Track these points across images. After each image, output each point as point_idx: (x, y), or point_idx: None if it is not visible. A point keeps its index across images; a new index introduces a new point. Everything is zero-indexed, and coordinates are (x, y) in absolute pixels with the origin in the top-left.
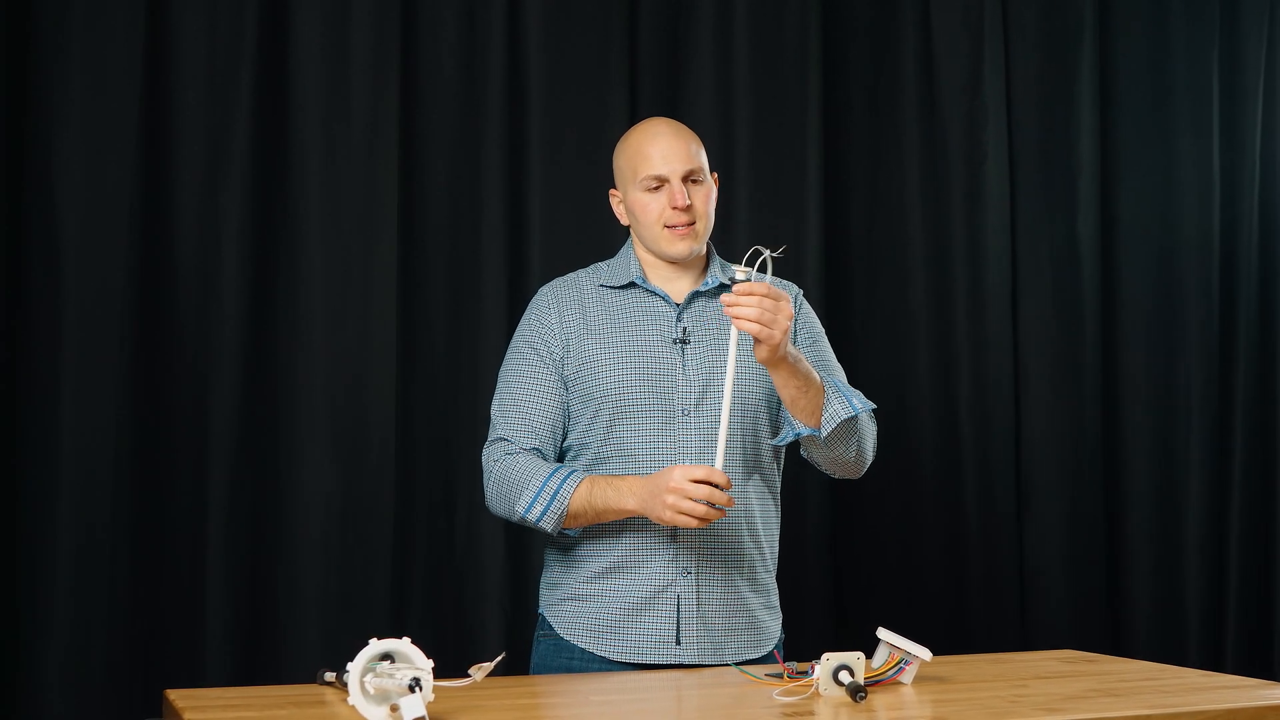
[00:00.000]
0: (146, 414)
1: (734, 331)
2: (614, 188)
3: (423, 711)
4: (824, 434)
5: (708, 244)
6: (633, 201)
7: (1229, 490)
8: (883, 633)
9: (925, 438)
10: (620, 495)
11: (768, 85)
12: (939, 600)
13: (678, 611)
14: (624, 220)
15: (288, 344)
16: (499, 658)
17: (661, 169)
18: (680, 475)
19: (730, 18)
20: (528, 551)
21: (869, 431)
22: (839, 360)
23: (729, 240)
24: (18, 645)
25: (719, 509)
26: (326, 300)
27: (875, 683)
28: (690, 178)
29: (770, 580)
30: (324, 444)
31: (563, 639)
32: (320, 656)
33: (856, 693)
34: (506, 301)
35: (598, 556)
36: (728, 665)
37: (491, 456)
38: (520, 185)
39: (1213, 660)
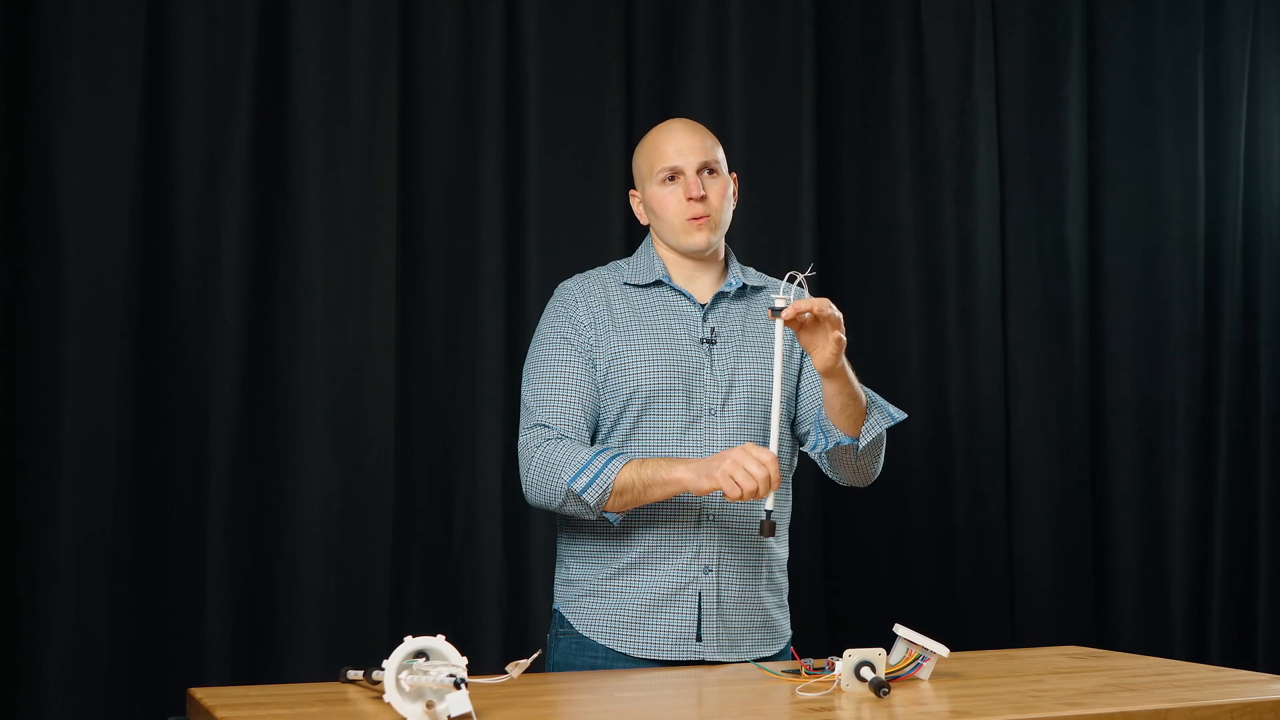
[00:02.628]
0: (147, 414)
1: (778, 334)
2: (634, 188)
3: (468, 708)
4: (862, 445)
5: (726, 246)
6: (650, 197)
7: (1213, 488)
8: (900, 629)
9: (916, 436)
10: (671, 465)
11: (761, 88)
12: (929, 596)
13: (699, 608)
14: (644, 219)
15: (288, 344)
16: (535, 655)
17: (676, 161)
18: (756, 449)
19: (724, 21)
20: (526, 552)
21: (884, 444)
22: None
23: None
24: (18, 645)
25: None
26: (326, 300)
27: (894, 678)
28: (705, 169)
29: (784, 579)
30: (324, 444)
31: (584, 637)
32: (320, 656)
33: (880, 688)
34: (505, 301)
35: (619, 553)
36: (747, 662)
37: (532, 442)
38: (518, 185)
39: (1197, 655)
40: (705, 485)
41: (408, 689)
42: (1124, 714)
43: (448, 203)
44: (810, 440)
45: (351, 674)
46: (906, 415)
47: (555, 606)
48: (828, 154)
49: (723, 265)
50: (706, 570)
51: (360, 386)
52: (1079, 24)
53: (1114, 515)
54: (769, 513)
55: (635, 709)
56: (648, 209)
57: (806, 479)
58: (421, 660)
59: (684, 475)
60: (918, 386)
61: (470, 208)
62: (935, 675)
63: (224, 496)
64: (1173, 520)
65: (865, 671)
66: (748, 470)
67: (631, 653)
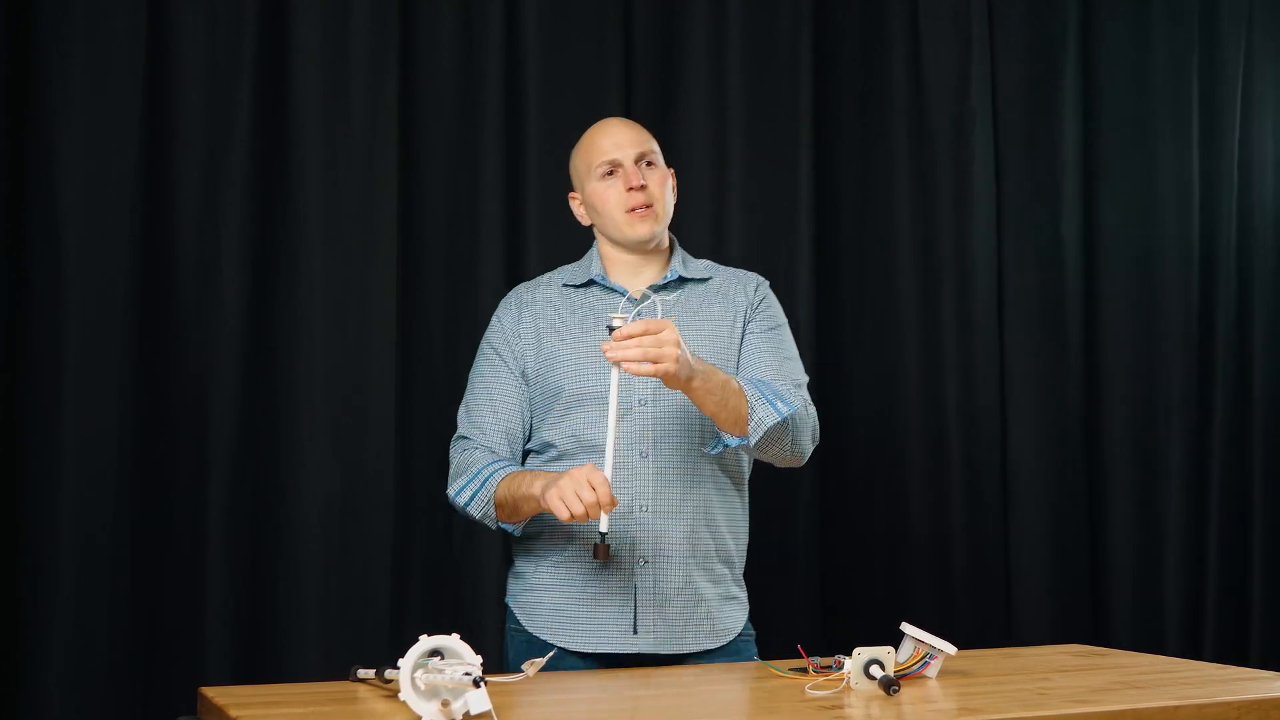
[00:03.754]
0: (147, 414)
1: (613, 374)
2: (572, 191)
3: (488, 706)
4: (753, 442)
5: (671, 237)
6: (591, 194)
7: (1207, 488)
8: (907, 628)
9: (913, 437)
10: (532, 480)
11: (760, 89)
12: (926, 595)
13: (635, 602)
14: (585, 221)
15: (288, 344)
16: (550, 653)
17: (614, 153)
18: (591, 472)
19: (723, 23)
20: None
21: (805, 425)
22: (829, 363)
23: (722, 243)
24: (18, 645)
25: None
26: (326, 300)
27: (902, 676)
28: (643, 160)
29: (731, 572)
30: (324, 444)
31: (531, 635)
32: (320, 656)
33: (890, 686)
34: None
35: (558, 548)
36: (756, 660)
37: (453, 454)
38: (517, 185)
39: (1191, 654)
40: (540, 502)
41: (423, 687)
42: (1133, 711)
43: (448, 203)
44: (710, 443)
45: (362, 673)
46: (793, 408)
47: (507, 601)
48: (826, 154)
49: (666, 258)
50: (643, 562)
51: (360, 386)
52: (1075, 26)
53: (1109, 514)
54: (603, 535)
55: (650, 706)
56: (588, 207)
57: (806, 478)
58: (437, 659)
59: (536, 492)
60: (915, 386)
61: (470, 208)
62: (942, 673)
63: (224, 496)
64: (1167, 519)
65: (874, 670)
66: (577, 494)
67: (571, 647)
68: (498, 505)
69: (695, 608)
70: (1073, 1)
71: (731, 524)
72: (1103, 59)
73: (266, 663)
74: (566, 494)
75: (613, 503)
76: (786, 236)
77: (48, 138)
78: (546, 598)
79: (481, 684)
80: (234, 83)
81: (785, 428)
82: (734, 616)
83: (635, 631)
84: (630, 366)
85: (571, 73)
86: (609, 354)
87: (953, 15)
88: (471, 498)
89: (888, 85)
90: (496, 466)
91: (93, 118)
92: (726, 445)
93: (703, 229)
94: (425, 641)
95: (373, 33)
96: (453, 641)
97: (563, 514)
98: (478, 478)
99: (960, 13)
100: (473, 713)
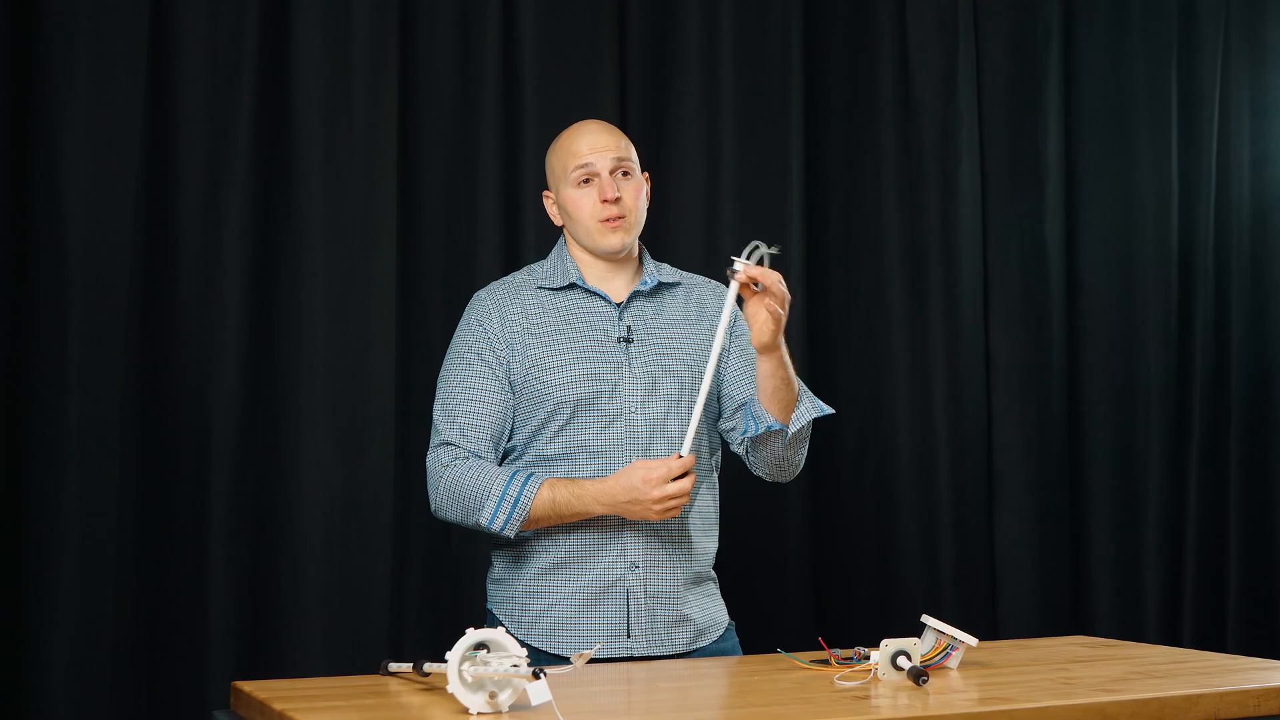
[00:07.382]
0: (149, 413)
1: (725, 315)
2: (547, 189)
3: (549, 697)
4: (791, 430)
5: (640, 244)
6: (565, 199)
7: (1186, 484)
8: (928, 620)
9: (901, 433)
10: (584, 501)
11: (751, 91)
12: (915, 589)
13: (627, 605)
14: (557, 221)
15: (288, 343)
16: (596, 646)
17: (589, 158)
18: (647, 480)
19: (715, 26)
20: None
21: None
22: (818, 362)
23: (714, 241)
24: (23, 642)
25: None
26: (327, 299)
27: (925, 667)
28: (619, 170)
29: (710, 570)
30: (325, 443)
31: (524, 642)
32: (322, 653)
33: (919, 676)
34: None
35: (545, 552)
36: (777, 652)
37: (440, 461)
38: (516, 184)
39: (1171, 644)
40: (625, 517)
41: (470, 680)
42: (1158, 700)
43: (447, 202)
44: (740, 426)
45: (394, 666)
46: (834, 411)
47: (489, 607)
48: (816, 156)
49: (637, 264)
50: (634, 566)
51: (361, 386)
52: (1057, 31)
53: (1090, 509)
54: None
55: (681, 698)
56: (562, 211)
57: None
58: (482, 652)
59: (597, 510)
60: (902, 384)
61: (470, 207)
62: (963, 664)
63: (225, 495)
64: (1147, 515)
65: (902, 660)
66: (669, 495)
67: (563, 653)
68: (532, 520)
69: (685, 607)
70: (1055, 5)
71: (708, 520)
72: (1084, 62)
73: (269, 661)
74: (666, 505)
75: (693, 461)
76: (778, 238)
77: (51, 138)
78: (534, 604)
79: (542, 675)
80: (234, 83)
81: (808, 429)
82: (719, 610)
83: (629, 636)
84: (776, 287)
85: (568, 73)
86: (741, 280)
87: (939, 20)
88: (507, 520)
89: (875, 87)
90: (521, 483)
91: (95, 117)
92: (769, 428)
93: (695, 228)
94: (472, 634)
95: (373, 33)
96: (498, 635)
97: (674, 516)
98: (506, 498)
99: (946, 16)
100: (533, 704)
